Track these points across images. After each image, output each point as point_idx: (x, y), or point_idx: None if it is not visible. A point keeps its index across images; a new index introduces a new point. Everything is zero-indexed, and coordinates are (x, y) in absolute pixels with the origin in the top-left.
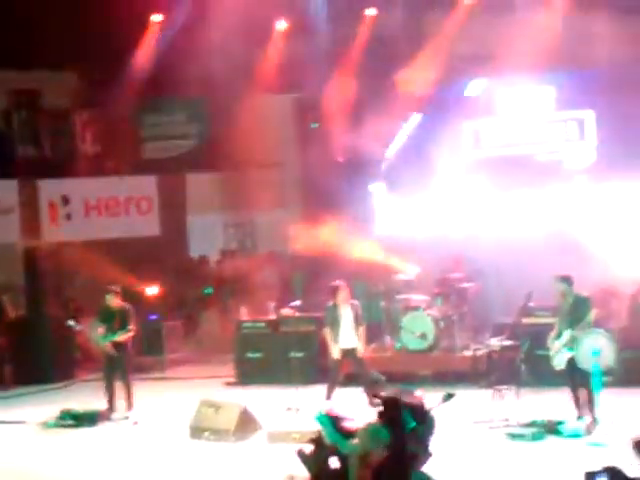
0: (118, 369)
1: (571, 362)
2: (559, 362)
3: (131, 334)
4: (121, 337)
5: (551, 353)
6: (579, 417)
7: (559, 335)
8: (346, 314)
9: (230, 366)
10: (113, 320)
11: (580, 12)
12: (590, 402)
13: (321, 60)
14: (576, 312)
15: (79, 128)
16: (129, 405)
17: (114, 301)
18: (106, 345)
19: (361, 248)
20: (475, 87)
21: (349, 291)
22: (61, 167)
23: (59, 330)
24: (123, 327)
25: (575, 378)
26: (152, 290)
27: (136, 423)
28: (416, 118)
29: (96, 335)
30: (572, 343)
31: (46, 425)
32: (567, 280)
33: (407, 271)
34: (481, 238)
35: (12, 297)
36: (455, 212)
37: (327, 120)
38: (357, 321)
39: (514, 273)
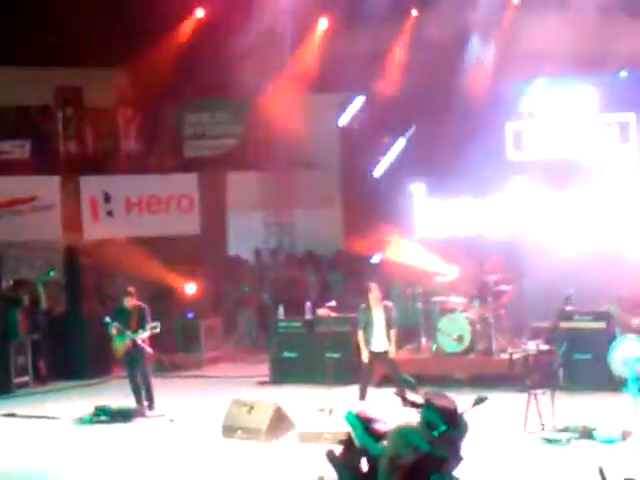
0: (138, 368)
1: None
2: None
3: (149, 333)
4: (139, 336)
5: None
6: None
7: None
8: (378, 316)
9: (266, 365)
10: (129, 319)
11: (624, 13)
12: None
13: (364, 60)
14: None
15: (122, 125)
16: (151, 405)
17: (130, 301)
18: (123, 344)
19: (400, 250)
20: (518, 88)
21: (381, 292)
22: (103, 164)
23: (96, 327)
24: (141, 326)
25: None
26: (191, 288)
27: (172, 421)
28: (457, 119)
29: (112, 334)
30: None
31: (81, 421)
32: None
33: (446, 273)
34: (520, 240)
35: (51, 292)
36: (495, 214)
37: (368, 120)
38: (389, 323)
39: (553, 276)
